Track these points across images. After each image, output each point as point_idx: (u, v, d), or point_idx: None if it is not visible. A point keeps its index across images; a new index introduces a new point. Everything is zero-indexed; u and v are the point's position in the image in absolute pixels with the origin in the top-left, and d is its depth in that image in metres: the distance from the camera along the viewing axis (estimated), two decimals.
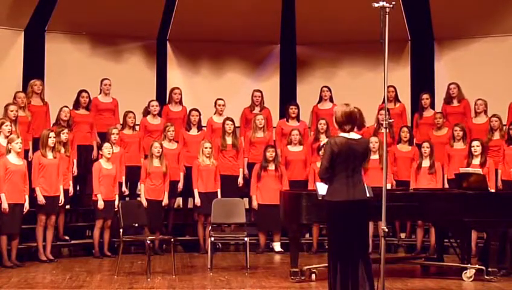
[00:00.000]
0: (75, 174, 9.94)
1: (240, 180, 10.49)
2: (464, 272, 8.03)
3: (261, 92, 11.27)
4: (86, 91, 10.48)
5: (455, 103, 10.95)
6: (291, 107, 11.02)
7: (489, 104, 10.63)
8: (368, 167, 9.54)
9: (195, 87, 12.04)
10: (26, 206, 8.84)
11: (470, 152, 9.67)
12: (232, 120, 10.56)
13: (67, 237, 9.91)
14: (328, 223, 6.17)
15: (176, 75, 12.13)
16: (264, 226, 10.19)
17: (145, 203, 9.55)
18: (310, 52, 12.31)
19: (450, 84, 10.99)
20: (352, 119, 6.02)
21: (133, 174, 10.16)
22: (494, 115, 10.28)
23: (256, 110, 11.15)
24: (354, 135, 6.01)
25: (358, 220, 5.91)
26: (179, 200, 10.83)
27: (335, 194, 5.94)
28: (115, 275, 8.18)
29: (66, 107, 10.09)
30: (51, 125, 10.12)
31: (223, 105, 10.90)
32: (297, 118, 11.03)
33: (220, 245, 10.51)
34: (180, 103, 11.09)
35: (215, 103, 10.93)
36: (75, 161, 9.95)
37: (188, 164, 10.37)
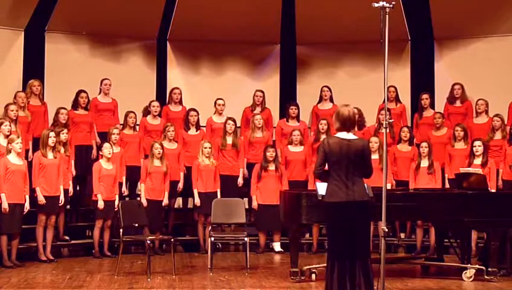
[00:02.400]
0: (74, 174, 9.94)
1: (240, 180, 10.49)
2: (464, 272, 8.03)
3: (262, 92, 11.26)
4: (84, 91, 10.47)
5: (458, 103, 10.96)
6: (291, 107, 11.02)
7: (490, 104, 10.63)
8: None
9: (195, 87, 12.04)
10: (27, 206, 8.84)
11: (472, 152, 9.68)
12: (233, 120, 10.56)
13: (67, 237, 9.91)
14: (327, 223, 6.19)
15: (176, 75, 12.13)
16: (264, 226, 10.18)
17: (145, 203, 9.55)
18: (310, 52, 12.31)
19: (454, 84, 10.98)
20: (342, 120, 6.00)
21: (133, 174, 10.16)
22: (496, 115, 10.28)
23: (257, 110, 11.15)
24: (349, 136, 6.00)
25: (356, 221, 5.89)
26: (179, 200, 10.83)
27: (332, 194, 5.95)
28: (115, 275, 8.18)
29: (64, 108, 10.08)
30: (49, 126, 10.12)
31: (223, 105, 10.90)
32: (297, 118, 11.03)
33: (220, 245, 10.51)
34: (180, 102, 11.10)
35: (215, 102, 10.93)
36: (72, 162, 9.94)
37: (188, 164, 10.37)
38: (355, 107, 10.45)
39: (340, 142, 5.94)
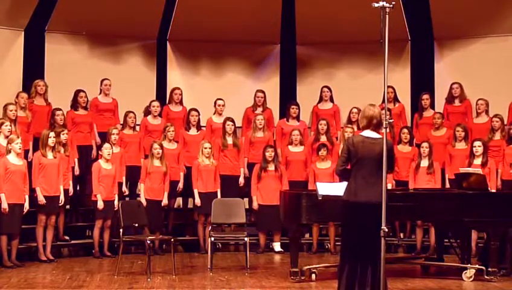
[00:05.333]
0: (77, 173, 9.95)
1: (241, 180, 10.48)
2: (464, 272, 8.03)
3: (263, 92, 11.25)
4: (82, 90, 10.48)
5: (457, 102, 10.96)
6: (292, 106, 11.01)
7: (490, 104, 10.63)
8: None
9: (195, 87, 12.04)
10: (26, 206, 8.84)
11: (472, 152, 9.68)
12: (232, 120, 10.56)
13: (67, 237, 9.91)
14: (343, 222, 6.15)
15: (176, 75, 12.12)
16: (264, 226, 10.18)
17: (144, 203, 9.53)
18: (310, 52, 12.30)
19: (452, 83, 10.98)
20: (374, 119, 6.00)
21: (133, 174, 10.16)
22: (495, 115, 10.28)
23: (259, 110, 11.14)
24: (373, 134, 5.98)
25: (374, 223, 5.75)
26: (179, 200, 10.83)
27: (349, 194, 5.92)
28: (115, 275, 8.17)
29: (59, 110, 10.07)
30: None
31: (223, 105, 10.89)
32: (298, 117, 11.02)
33: (220, 245, 10.51)
34: (181, 103, 11.10)
35: (215, 103, 10.93)
36: (76, 161, 9.96)
37: (188, 164, 10.37)
38: (355, 107, 10.66)
39: (365, 141, 5.93)
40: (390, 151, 5.92)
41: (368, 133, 6.00)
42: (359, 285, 5.84)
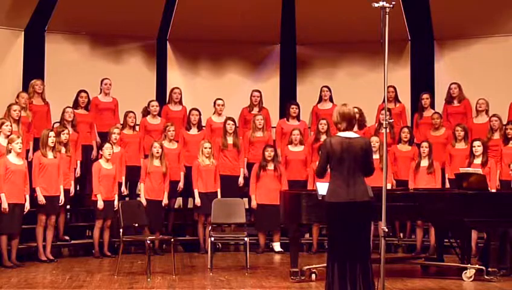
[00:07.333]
0: (78, 175, 9.95)
1: (241, 180, 10.48)
2: (464, 272, 8.03)
3: (259, 92, 11.26)
4: (84, 91, 10.49)
5: (456, 102, 10.96)
6: (292, 106, 11.01)
7: (490, 104, 10.64)
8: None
9: (195, 87, 12.05)
10: (27, 206, 8.84)
11: (472, 152, 9.69)
12: (233, 120, 10.56)
13: (67, 237, 9.91)
14: (327, 223, 6.18)
15: (176, 75, 12.14)
16: (263, 226, 10.18)
17: (144, 203, 9.53)
18: (310, 52, 12.31)
19: (450, 84, 10.99)
20: (348, 119, 6.01)
21: (133, 174, 10.16)
22: (494, 115, 10.30)
23: (255, 110, 11.14)
24: (351, 134, 6.00)
25: (356, 222, 5.87)
26: (179, 200, 10.83)
27: (333, 195, 5.93)
28: (115, 275, 8.17)
29: (70, 107, 10.10)
30: (53, 124, 10.15)
31: (222, 105, 10.89)
32: (298, 117, 11.02)
33: (220, 245, 10.51)
34: (180, 102, 11.10)
35: (215, 102, 10.93)
36: (78, 163, 9.96)
37: (188, 164, 10.37)
38: (355, 107, 10.61)
39: (342, 141, 5.94)
40: (368, 151, 5.96)
41: (345, 134, 6.00)
42: (351, 285, 5.85)
